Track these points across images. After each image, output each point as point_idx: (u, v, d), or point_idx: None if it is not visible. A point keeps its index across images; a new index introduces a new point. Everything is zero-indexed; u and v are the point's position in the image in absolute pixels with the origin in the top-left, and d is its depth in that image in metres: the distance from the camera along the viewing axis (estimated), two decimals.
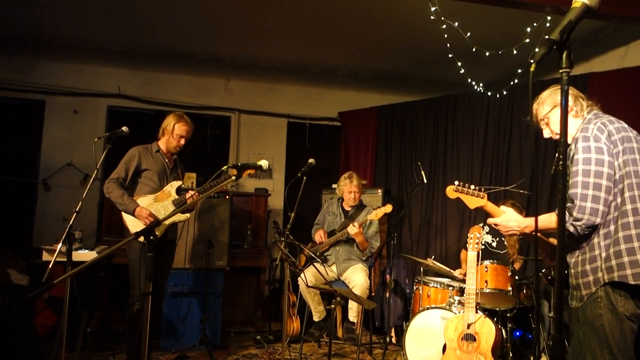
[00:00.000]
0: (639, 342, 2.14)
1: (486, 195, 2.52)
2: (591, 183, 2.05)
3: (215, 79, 6.38)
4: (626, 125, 2.20)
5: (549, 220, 2.21)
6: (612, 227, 2.08)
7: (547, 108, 2.32)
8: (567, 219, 2.08)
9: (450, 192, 2.60)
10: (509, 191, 4.09)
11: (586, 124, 2.18)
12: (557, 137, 2.33)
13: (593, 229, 2.10)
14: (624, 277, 2.01)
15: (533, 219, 2.33)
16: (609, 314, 2.05)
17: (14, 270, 4.52)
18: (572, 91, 2.26)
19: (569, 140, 2.23)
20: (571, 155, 2.16)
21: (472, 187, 2.54)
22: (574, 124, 2.25)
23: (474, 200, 2.53)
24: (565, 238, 2.19)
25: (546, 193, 4.50)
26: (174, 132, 3.72)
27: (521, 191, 4.08)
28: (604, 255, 2.08)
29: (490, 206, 2.50)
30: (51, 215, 5.66)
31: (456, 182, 2.58)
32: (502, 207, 2.47)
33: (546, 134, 2.38)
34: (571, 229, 2.09)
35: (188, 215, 3.75)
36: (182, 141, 3.76)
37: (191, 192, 3.61)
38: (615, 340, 2.03)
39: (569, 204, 2.09)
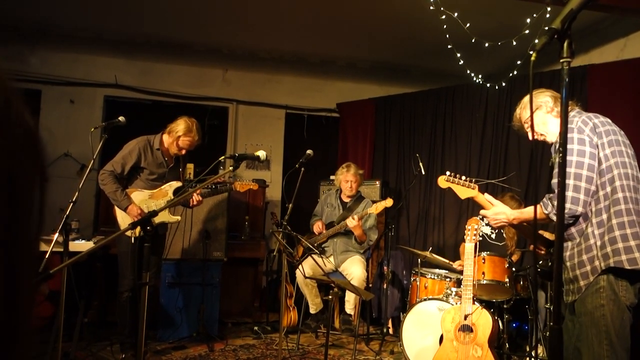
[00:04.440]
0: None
1: (477, 186, 2.56)
2: (572, 173, 2.09)
3: (213, 69, 6.34)
4: (609, 120, 2.26)
5: (532, 211, 2.23)
6: (604, 216, 2.11)
7: (529, 112, 2.34)
8: (549, 209, 2.14)
9: (442, 182, 2.66)
10: (506, 183, 4.10)
11: (570, 119, 2.22)
12: (542, 138, 2.41)
13: (575, 218, 2.13)
14: (620, 263, 2.04)
15: (520, 211, 2.43)
16: (611, 304, 2.07)
17: None
18: (551, 93, 2.38)
19: (553, 140, 2.34)
20: (557, 148, 2.19)
21: (464, 178, 2.60)
22: (556, 124, 2.33)
23: (464, 190, 2.58)
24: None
25: (544, 184, 4.49)
26: (177, 142, 3.69)
27: (506, 186, 4.12)
28: (599, 243, 2.11)
29: (480, 197, 2.54)
30: (48, 205, 5.59)
31: (447, 173, 2.64)
32: (493, 200, 2.50)
33: (530, 137, 2.40)
34: (554, 218, 2.09)
35: (179, 217, 3.76)
36: (183, 152, 3.75)
37: (196, 198, 3.69)
38: (615, 330, 2.05)
39: (551, 194, 2.15)
